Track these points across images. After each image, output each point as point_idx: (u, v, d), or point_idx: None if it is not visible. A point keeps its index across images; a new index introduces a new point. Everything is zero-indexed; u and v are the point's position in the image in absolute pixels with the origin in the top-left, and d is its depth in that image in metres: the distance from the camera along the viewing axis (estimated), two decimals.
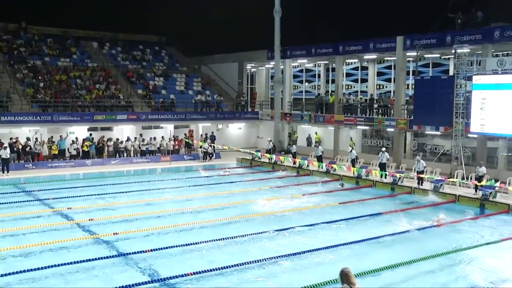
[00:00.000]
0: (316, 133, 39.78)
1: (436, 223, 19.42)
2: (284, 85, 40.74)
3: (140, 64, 45.84)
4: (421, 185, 25.83)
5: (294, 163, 31.95)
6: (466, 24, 29.51)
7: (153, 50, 48.96)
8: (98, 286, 12.80)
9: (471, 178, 24.57)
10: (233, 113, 42.63)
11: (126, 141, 35.69)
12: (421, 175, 25.95)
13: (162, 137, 37.13)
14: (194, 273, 13.71)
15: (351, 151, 31.18)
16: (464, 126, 27.29)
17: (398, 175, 26.76)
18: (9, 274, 13.55)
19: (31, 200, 23.51)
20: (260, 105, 45.18)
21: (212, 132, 39.53)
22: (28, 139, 32.86)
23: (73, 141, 34.07)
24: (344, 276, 8.59)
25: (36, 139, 33.14)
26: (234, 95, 46.09)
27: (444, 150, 30.19)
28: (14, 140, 32.19)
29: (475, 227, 19.70)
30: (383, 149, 29.54)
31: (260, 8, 41.99)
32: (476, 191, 23.85)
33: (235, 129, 43.46)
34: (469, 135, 27.53)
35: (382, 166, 28.19)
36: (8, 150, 30.00)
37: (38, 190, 25.64)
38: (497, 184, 23.67)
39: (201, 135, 39.30)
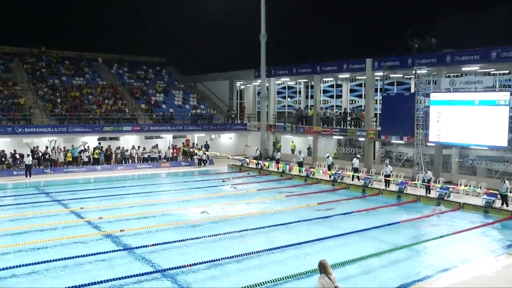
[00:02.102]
0: (292, 141, 40.12)
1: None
2: (269, 100, 40.96)
3: (143, 82, 45.89)
4: (388, 187, 26.16)
5: (278, 168, 32.19)
6: (423, 50, 30.04)
7: (154, 70, 49.03)
8: (106, 276, 12.86)
9: (423, 181, 24.92)
10: (224, 124, 42.77)
11: (131, 149, 35.78)
12: (388, 178, 26.31)
13: (157, 145, 37.20)
14: (191, 265, 13.82)
15: (328, 157, 31.46)
16: (424, 136, 27.64)
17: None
18: (31, 264, 13.71)
19: (50, 201, 23.61)
20: (248, 118, 45.32)
21: (206, 141, 39.63)
22: (47, 147, 32.98)
23: (85, 149, 34.16)
24: (322, 266, 8.79)
25: (57, 147, 33.20)
26: (225, 109, 46.28)
27: (407, 157, 30.52)
28: (35, 147, 32.25)
29: (433, 223, 20.05)
30: (358, 155, 29.94)
31: (248, 33, 42.34)
32: (426, 192, 24.23)
33: (226, 139, 43.56)
34: (428, 143, 27.86)
35: (356, 171, 28.55)
36: (30, 157, 30.10)
37: (55, 192, 25.68)
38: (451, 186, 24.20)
39: (196, 144, 39.45)
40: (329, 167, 30.41)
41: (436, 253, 15.89)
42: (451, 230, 18.35)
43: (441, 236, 17.39)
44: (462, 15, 36.76)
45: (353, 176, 27.80)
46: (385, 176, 26.46)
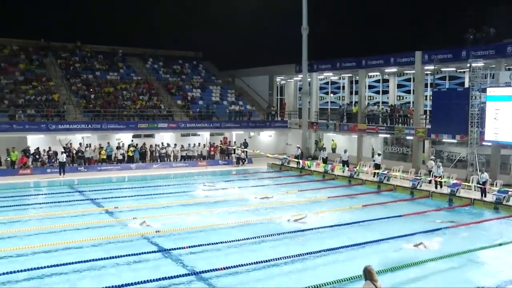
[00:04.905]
0: (333, 140, 39.75)
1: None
2: (311, 96, 40.77)
3: (179, 77, 46.35)
4: (441, 187, 25.55)
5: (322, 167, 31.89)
6: (479, 41, 29.12)
7: (191, 64, 49.43)
8: (141, 278, 12.94)
9: (478, 183, 24.14)
10: (264, 122, 42.74)
11: (166, 147, 36.14)
12: (439, 179, 25.67)
13: (194, 144, 37.47)
14: (225, 268, 13.77)
15: (379, 155, 31.08)
16: (479, 134, 26.92)
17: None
18: (63, 264, 13.95)
19: (83, 200, 24.06)
20: (289, 115, 45.17)
21: (245, 139, 39.66)
22: (80, 144, 33.71)
23: (119, 146, 34.72)
24: (368, 273, 8.63)
25: (89, 145, 33.88)
26: (265, 105, 46.26)
27: (460, 157, 29.74)
28: (68, 144, 33.07)
29: (489, 229, 19.46)
30: (433, 156, 29.19)
31: (288, 25, 42.14)
32: (482, 195, 23.50)
33: (266, 137, 43.54)
34: (484, 143, 27.06)
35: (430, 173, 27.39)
36: (64, 155, 30.81)
37: (89, 191, 26.21)
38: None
39: (234, 142, 39.49)
40: (377, 167, 29.86)
41: (494, 263, 15.37)
42: (511, 237, 17.69)
43: (500, 244, 16.84)
44: None
45: (430, 180, 26.58)
46: (436, 177, 25.80)
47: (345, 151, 32.83)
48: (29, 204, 23.39)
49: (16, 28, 47.20)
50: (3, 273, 13.17)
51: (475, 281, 13.62)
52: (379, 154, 31.09)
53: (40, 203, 23.64)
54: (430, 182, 26.31)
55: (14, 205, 22.17)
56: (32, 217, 20.16)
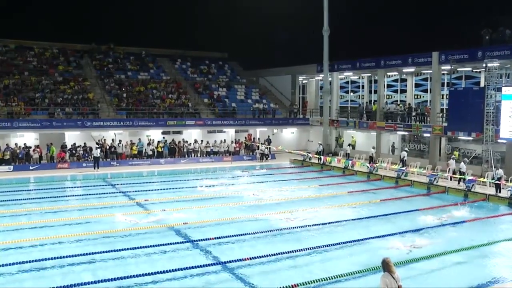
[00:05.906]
0: (352, 136, 39.64)
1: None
2: (331, 95, 40.64)
3: (206, 77, 46.60)
4: (459, 183, 25.29)
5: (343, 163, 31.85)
6: (495, 41, 28.66)
7: (217, 64, 49.63)
8: (168, 267, 13.13)
9: (493, 179, 23.81)
10: (286, 119, 42.74)
11: (194, 143, 36.44)
12: (461, 176, 25.41)
13: (221, 140, 37.66)
14: (249, 258, 13.91)
15: (406, 150, 31.12)
16: (494, 132, 26.53)
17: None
18: (98, 253, 14.21)
19: (116, 192, 24.39)
20: (311, 113, 45.08)
21: (268, 136, 39.74)
22: (113, 141, 34.22)
23: (149, 142, 35.13)
24: (386, 265, 8.74)
25: (120, 141, 34.35)
26: (287, 103, 46.25)
27: (475, 154, 29.36)
28: (102, 141, 33.65)
29: (503, 224, 19.18)
30: (456, 158, 28.39)
31: (310, 27, 42.06)
32: (496, 191, 23.16)
33: (288, 134, 43.56)
34: (499, 140, 26.68)
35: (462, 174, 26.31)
36: (98, 150, 31.35)
37: (121, 184, 26.59)
38: None
39: (258, 138, 39.59)
40: (403, 162, 29.70)
41: (505, 256, 15.17)
42: None
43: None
44: None
45: (459, 179, 25.94)
46: (462, 173, 25.50)
47: (373, 147, 32.73)
48: (66, 196, 23.99)
49: (56, 32, 48.29)
50: (34, 260, 13.49)
51: (489, 273, 13.48)
52: (406, 151, 30.95)
53: (76, 195, 24.10)
54: (448, 178, 26.06)
55: (53, 197, 22.74)
56: (69, 208, 20.49)
